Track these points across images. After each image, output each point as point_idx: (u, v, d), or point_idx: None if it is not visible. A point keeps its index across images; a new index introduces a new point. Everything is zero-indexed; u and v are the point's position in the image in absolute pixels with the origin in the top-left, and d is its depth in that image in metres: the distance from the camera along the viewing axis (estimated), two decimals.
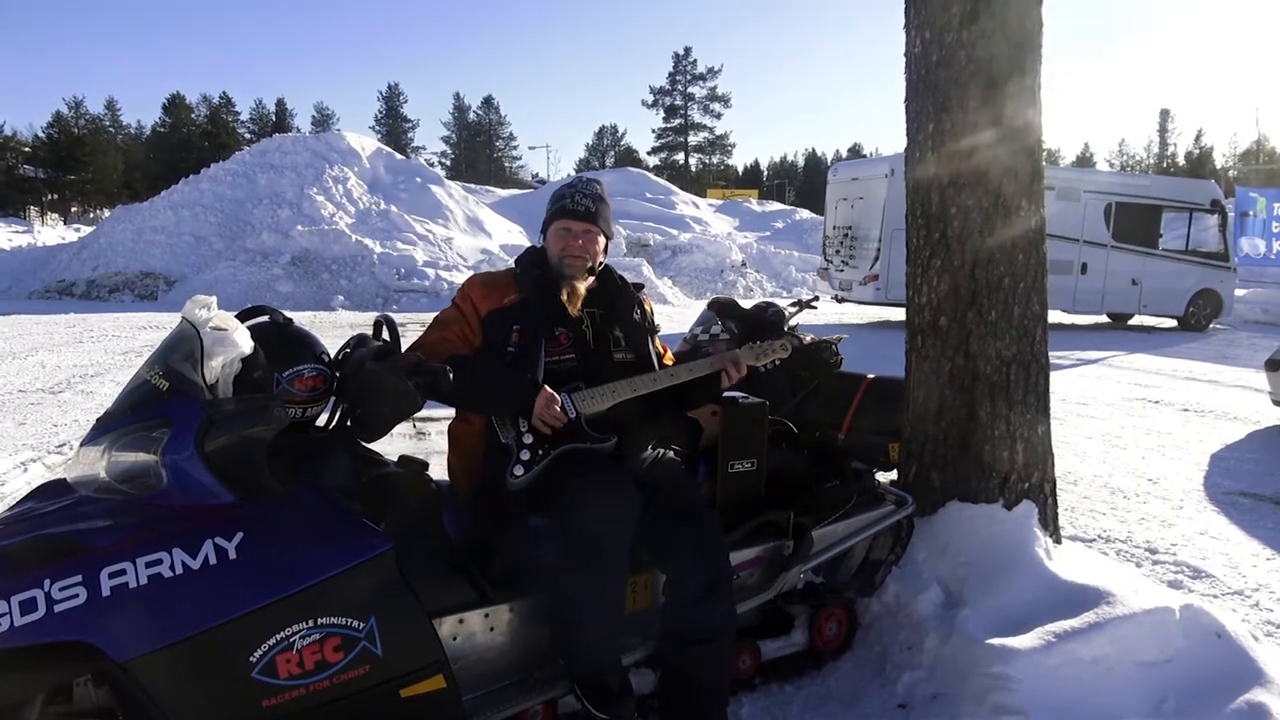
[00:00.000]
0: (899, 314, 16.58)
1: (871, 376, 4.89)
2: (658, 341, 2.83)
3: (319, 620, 1.96)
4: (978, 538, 3.19)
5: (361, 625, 2.00)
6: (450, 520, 2.48)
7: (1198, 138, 76.54)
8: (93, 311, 15.68)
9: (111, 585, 1.82)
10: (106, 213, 34.65)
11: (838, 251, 16.48)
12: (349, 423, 2.44)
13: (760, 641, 3.04)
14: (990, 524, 3.21)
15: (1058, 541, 3.37)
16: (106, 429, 2.10)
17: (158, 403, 2.06)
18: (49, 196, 58.88)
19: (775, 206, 37.74)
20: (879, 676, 3.01)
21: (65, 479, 2.22)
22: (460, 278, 18.52)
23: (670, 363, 2.80)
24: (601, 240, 2.67)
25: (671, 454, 2.74)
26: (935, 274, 3.34)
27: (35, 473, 5.53)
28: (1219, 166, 68.46)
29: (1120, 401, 8.72)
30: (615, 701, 2.39)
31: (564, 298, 2.60)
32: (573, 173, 60.38)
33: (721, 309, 5.18)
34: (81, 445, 2.13)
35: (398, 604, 2.07)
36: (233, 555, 1.92)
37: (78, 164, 57.73)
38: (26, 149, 59.16)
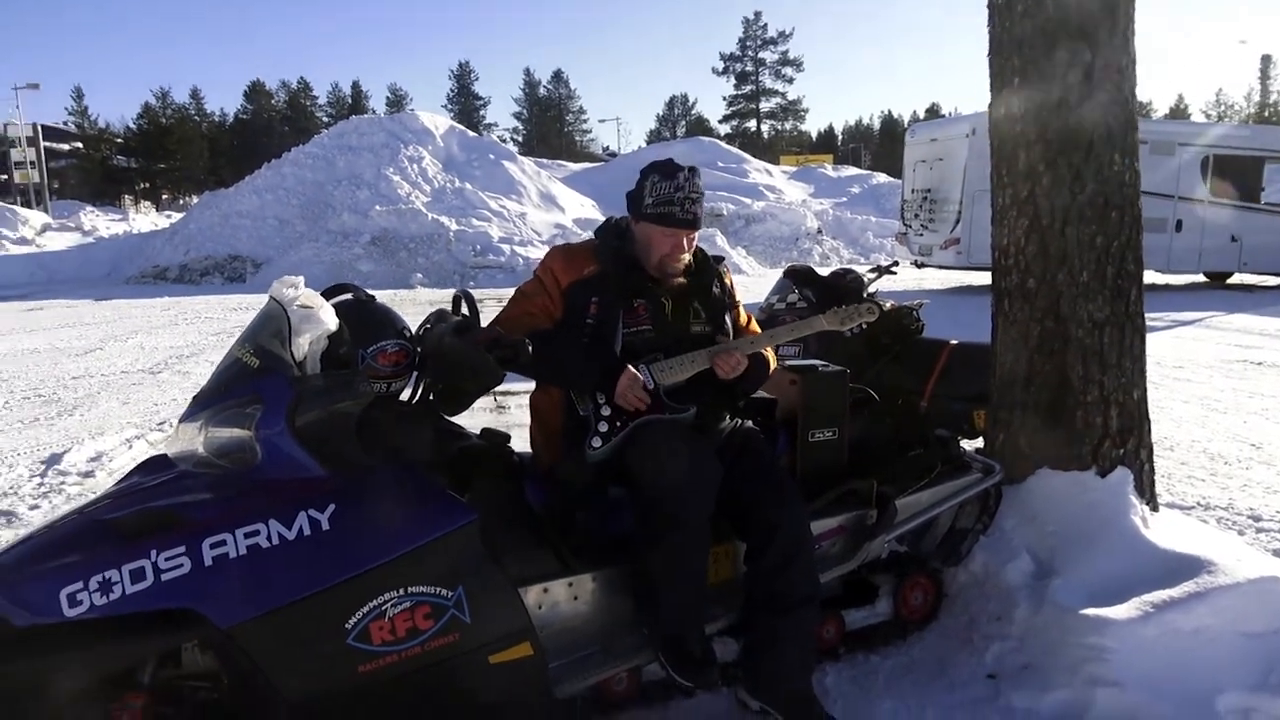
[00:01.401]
0: (981, 278, 16.11)
1: (954, 342, 4.77)
2: (741, 312, 2.80)
3: (409, 589, 2.01)
4: (1070, 506, 3.09)
5: (450, 594, 2.05)
6: (533, 491, 2.51)
7: None
8: (186, 295, 16.29)
9: (213, 555, 1.90)
10: (195, 199, 35.86)
11: (916, 215, 16.08)
12: (431, 397, 2.48)
13: (844, 611, 3.01)
14: (1083, 491, 3.11)
15: (1154, 509, 3.25)
16: (203, 406, 2.18)
17: (249, 380, 2.12)
18: (141, 185, 61.24)
19: (851, 171, 36.99)
20: (966, 647, 2.96)
21: (166, 454, 2.33)
22: (535, 253, 18.68)
23: (756, 333, 2.76)
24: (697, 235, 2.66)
25: (750, 424, 2.72)
26: (1023, 234, 3.23)
27: (139, 449, 5.80)
28: None
29: (1219, 364, 8.34)
30: (699, 668, 2.40)
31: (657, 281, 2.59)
32: (643, 145, 60.10)
33: (798, 277, 5.11)
34: (180, 422, 2.22)
35: (484, 573, 2.11)
36: (325, 526, 1.97)
37: (166, 153, 59.83)
38: (119, 140, 61.57)
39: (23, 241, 21.99)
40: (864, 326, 3.00)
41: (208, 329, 11.75)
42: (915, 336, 4.85)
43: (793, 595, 2.48)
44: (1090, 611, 2.68)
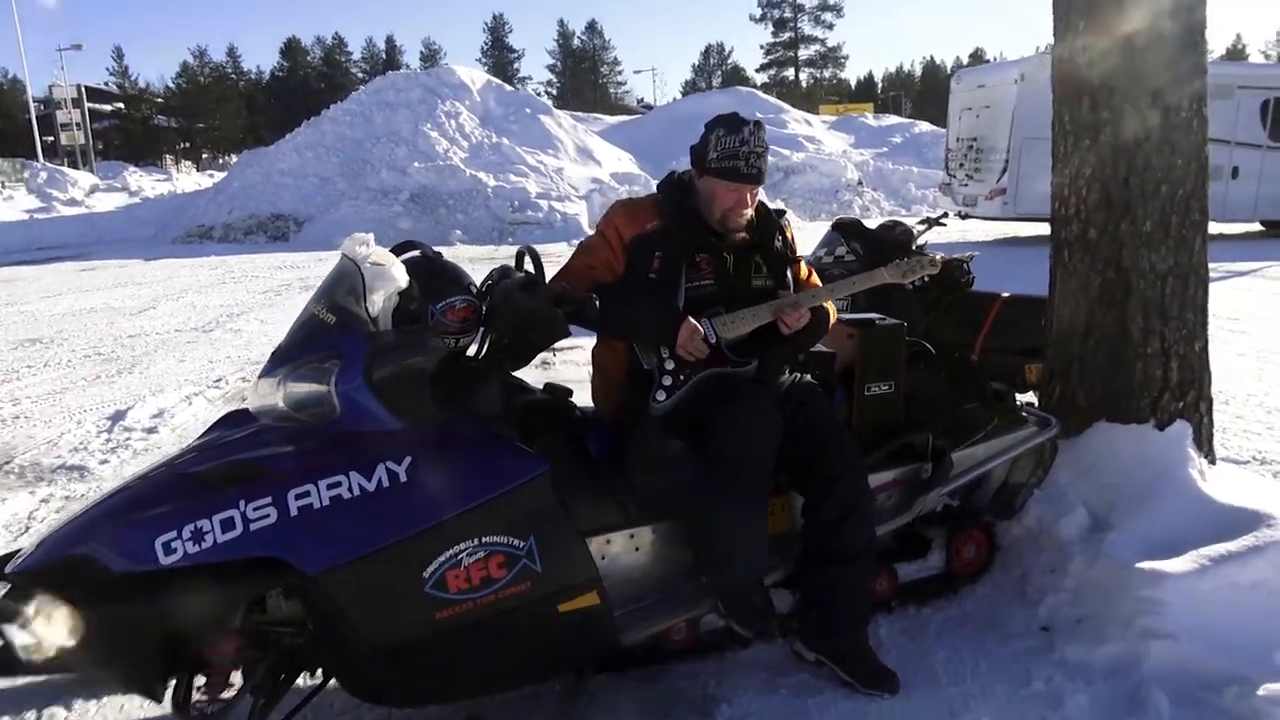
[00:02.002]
0: (1027, 229, 15.83)
1: (1006, 295, 4.74)
2: (802, 266, 2.81)
3: (483, 539, 2.07)
4: (1127, 459, 3.09)
5: (522, 544, 2.11)
6: (595, 444, 2.56)
7: None
8: (231, 254, 16.52)
9: (298, 506, 1.97)
10: (234, 158, 36.19)
11: (961, 165, 15.78)
12: (493, 352, 2.53)
13: (897, 564, 3.05)
14: (1141, 445, 3.10)
15: (1212, 463, 3.23)
16: (281, 363, 2.24)
17: (326, 337, 2.18)
18: (182, 145, 61.82)
19: (892, 120, 36.29)
20: (1019, 599, 2.99)
21: (246, 409, 2.41)
22: (573, 208, 18.66)
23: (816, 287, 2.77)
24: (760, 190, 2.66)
25: (809, 378, 2.74)
26: (1084, 183, 3.19)
27: (199, 406, 5.96)
28: None
29: (1277, 315, 8.17)
30: (759, 618, 2.46)
31: (719, 236, 2.61)
32: (679, 97, 59.32)
33: (846, 230, 5.07)
34: (259, 378, 2.29)
35: (554, 524, 2.18)
36: (403, 478, 2.04)
37: (205, 112, 60.28)
38: (159, 100, 62.09)
39: (73, 203, 22.39)
40: (926, 279, 2.99)
41: (255, 288, 11.94)
42: (966, 289, 4.82)
43: (849, 548, 2.52)
44: (1146, 565, 2.69)
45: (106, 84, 60.91)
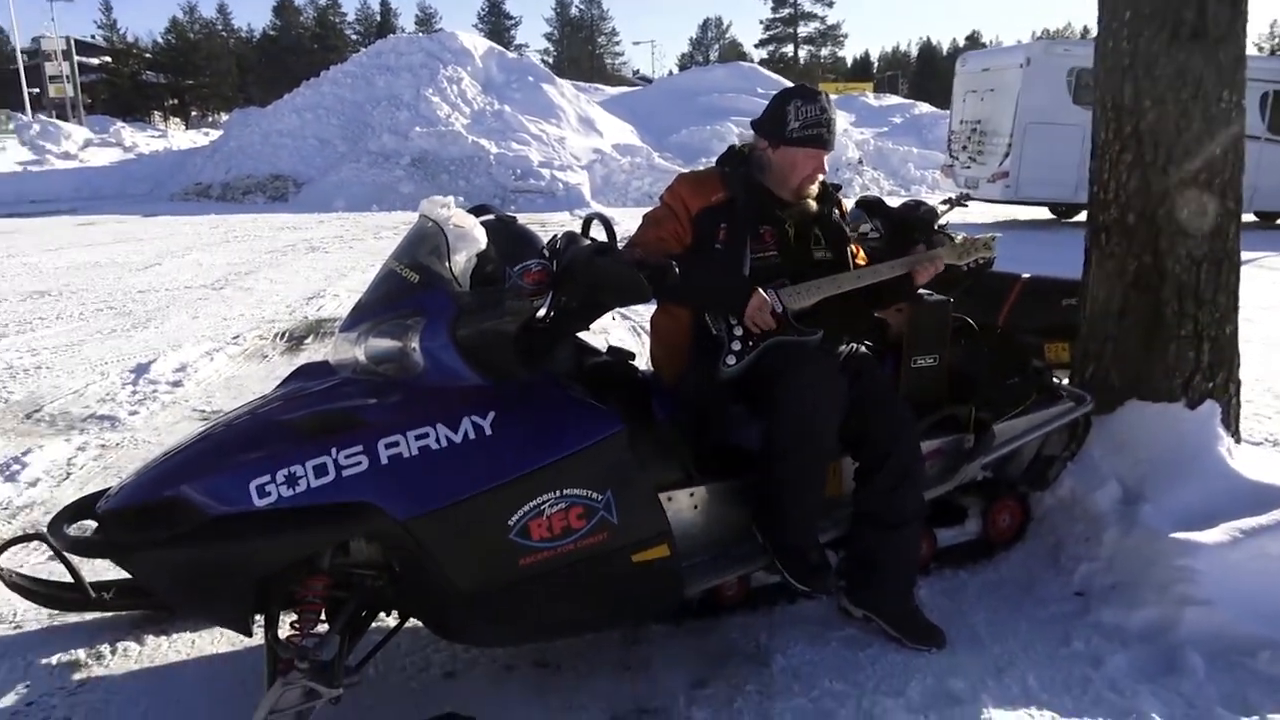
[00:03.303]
0: (1027, 213, 15.97)
1: (1026, 275, 4.82)
2: (853, 241, 2.89)
3: (564, 491, 2.15)
4: (1158, 436, 3.19)
5: (600, 496, 2.19)
6: (658, 405, 2.64)
7: None
8: (230, 213, 16.44)
9: (388, 455, 2.04)
10: (224, 116, 35.75)
11: (964, 147, 15.84)
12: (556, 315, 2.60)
13: (937, 529, 3.16)
14: (1172, 423, 3.20)
15: (1238, 442, 3.35)
16: (362, 318, 2.30)
17: (409, 295, 2.24)
18: (170, 101, 61.00)
19: (893, 100, 36.24)
20: (1053, 566, 3.10)
21: (322, 362, 2.47)
22: (575, 178, 18.61)
23: (863, 262, 2.85)
24: None
25: (864, 348, 2.82)
26: (1125, 169, 3.26)
27: (220, 361, 6.01)
28: None
29: (1278, 304, 8.31)
30: (817, 575, 2.55)
31: (790, 204, 2.68)
32: (675, 70, 58.87)
33: (870, 207, 5.13)
34: (340, 332, 2.35)
35: (630, 478, 2.25)
36: (488, 432, 2.11)
37: (195, 69, 59.47)
38: (148, 55, 61.16)
39: (66, 156, 22.14)
40: (979, 262, 3.07)
41: (259, 247, 11.91)
42: (987, 269, 4.90)
43: (901, 513, 2.61)
44: (1180, 535, 2.80)
45: (93, 37, 59.95)
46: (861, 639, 2.67)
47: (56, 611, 2.73)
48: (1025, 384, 3.15)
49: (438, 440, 2.08)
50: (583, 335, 2.72)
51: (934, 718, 2.28)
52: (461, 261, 2.27)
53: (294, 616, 2.12)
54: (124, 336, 6.74)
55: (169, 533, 2.00)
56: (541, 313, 2.58)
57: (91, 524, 2.23)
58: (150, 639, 2.63)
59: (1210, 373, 3.24)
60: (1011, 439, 3.11)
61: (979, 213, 16.33)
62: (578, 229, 2.65)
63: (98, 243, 12.07)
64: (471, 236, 2.29)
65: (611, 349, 2.71)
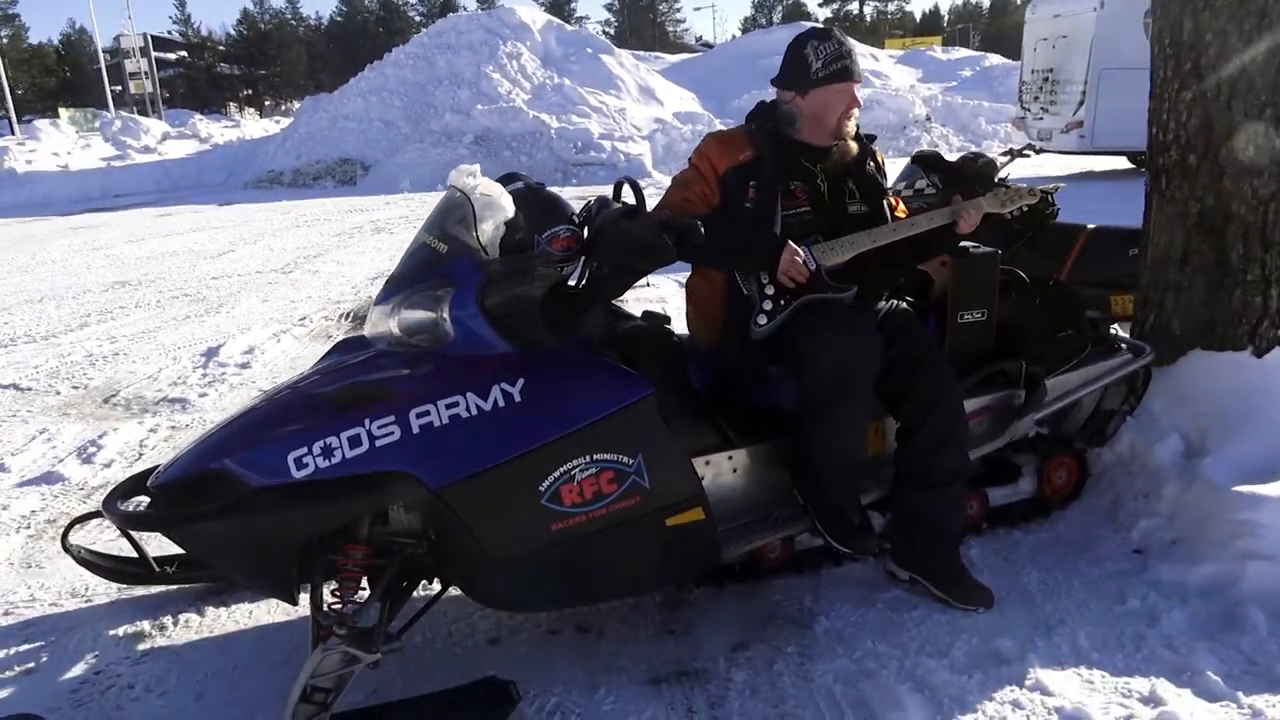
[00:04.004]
0: (1104, 163, 15.34)
1: (1091, 226, 4.65)
2: (890, 194, 2.81)
3: (594, 456, 2.16)
4: (1222, 386, 3.05)
5: (631, 461, 2.20)
6: (694, 370, 2.63)
7: None
8: (301, 198, 16.82)
9: (419, 424, 2.07)
10: (296, 104, 36.54)
11: (1036, 98, 15.27)
12: (591, 280, 2.60)
13: (988, 489, 3.08)
14: (1237, 372, 3.06)
15: None
16: (394, 290, 2.33)
17: (438, 265, 2.26)
18: (245, 92, 62.62)
19: (962, 53, 35.06)
20: (1111, 523, 3.01)
21: (359, 336, 2.52)
22: (636, 149, 18.53)
23: (902, 214, 2.78)
24: None
25: (904, 304, 2.76)
26: (1184, 108, 3.11)
27: (286, 343, 6.18)
28: None
29: None
30: (858, 536, 2.52)
31: (829, 153, 2.63)
32: (738, 34, 57.98)
33: (926, 162, 4.99)
34: (374, 305, 2.39)
35: (661, 442, 2.25)
36: (517, 399, 2.13)
37: (266, 59, 60.87)
38: (221, 48, 62.83)
39: (146, 150, 22.91)
40: (1025, 209, 2.97)
41: (328, 230, 12.18)
42: (1050, 221, 4.74)
43: (943, 472, 2.56)
44: (1243, 488, 2.69)
45: (170, 33, 61.79)
46: (908, 601, 2.63)
47: (124, 585, 2.86)
48: (1079, 337, 3.04)
49: (468, 409, 2.11)
50: (620, 302, 2.72)
51: (978, 677, 2.25)
52: (489, 230, 2.27)
53: (335, 585, 2.18)
54: (197, 322, 6.98)
55: (213, 505, 2.07)
56: (574, 280, 2.59)
57: (145, 499, 2.32)
58: (210, 610, 2.75)
59: (1279, 319, 3.07)
60: (1065, 394, 3.01)
61: (1053, 165, 15.78)
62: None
63: (175, 232, 12.49)
64: (498, 204, 2.30)
65: (646, 314, 2.70)
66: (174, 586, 2.86)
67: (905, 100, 22.79)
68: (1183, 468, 2.92)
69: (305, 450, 2.05)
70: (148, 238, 12.09)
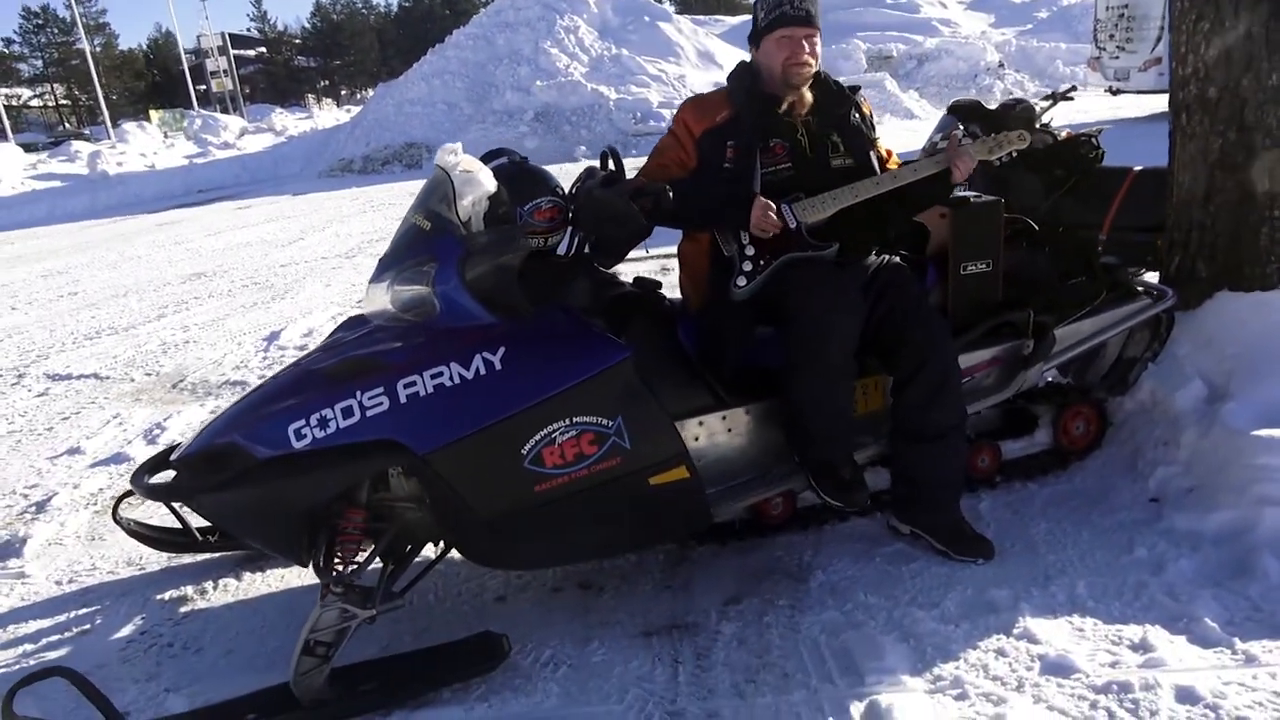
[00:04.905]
0: None
1: (1138, 169, 4.48)
2: (880, 145, 2.78)
3: (574, 419, 2.23)
4: (1249, 328, 2.94)
5: (610, 423, 2.26)
6: (685, 333, 2.67)
7: None
8: (370, 185, 17.26)
9: (406, 394, 2.18)
10: (370, 92, 37.38)
11: (1111, 36, 14.64)
12: (588, 250, 2.65)
13: (1002, 441, 3.05)
14: (1266, 313, 2.94)
15: None
16: (386, 269, 2.44)
17: (423, 242, 2.35)
18: (322, 84, 64.23)
19: None
20: (1130, 473, 2.95)
21: (362, 314, 2.63)
22: None
23: (895, 167, 2.74)
24: (819, 41, 2.62)
25: (897, 259, 2.74)
26: (1203, 39, 2.98)
27: None
28: None
29: None
30: (849, 490, 2.54)
31: (788, 108, 2.61)
32: None
33: (963, 112, 4.87)
34: (370, 284, 2.50)
35: (640, 404, 2.31)
36: (498, 366, 2.21)
37: (340, 49, 62.27)
38: (297, 41, 64.48)
39: (225, 146, 23.80)
40: (1014, 155, 2.90)
41: (393, 214, 12.48)
42: (1094, 165, 4.58)
43: (938, 426, 2.55)
44: (1263, 432, 2.60)
45: (249, 30, 63.70)
46: (908, 554, 2.64)
47: (171, 554, 3.06)
48: (1091, 284, 2.96)
49: (451, 378, 2.20)
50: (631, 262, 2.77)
51: (965, 627, 2.25)
52: (468, 205, 2.35)
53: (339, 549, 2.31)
54: (263, 309, 7.29)
55: (222, 476, 2.22)
56: (563, 249, 2.65)
57: (172, 473, 2.49)
58: (247, 575, 2.92)
59: None
60: (1079, 342, 2.95)
61: (1132, 105, 15.09)
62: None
63: (250, 224, 12.98)
64: (476, 180, 2.37)
65: (638, 279, 2.75)
66: (216, 554, 3.05)
67: (975, 47, 22.07)
68: (1203, 413, 2.84)
69: (303, 422, 2.18)
70: (224, 230, 12.60)
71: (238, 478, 2.20)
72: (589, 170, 2.64)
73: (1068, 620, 2.25)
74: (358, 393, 2.18)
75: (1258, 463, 2.56)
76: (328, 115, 33.71)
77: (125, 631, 2.67)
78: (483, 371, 2.21)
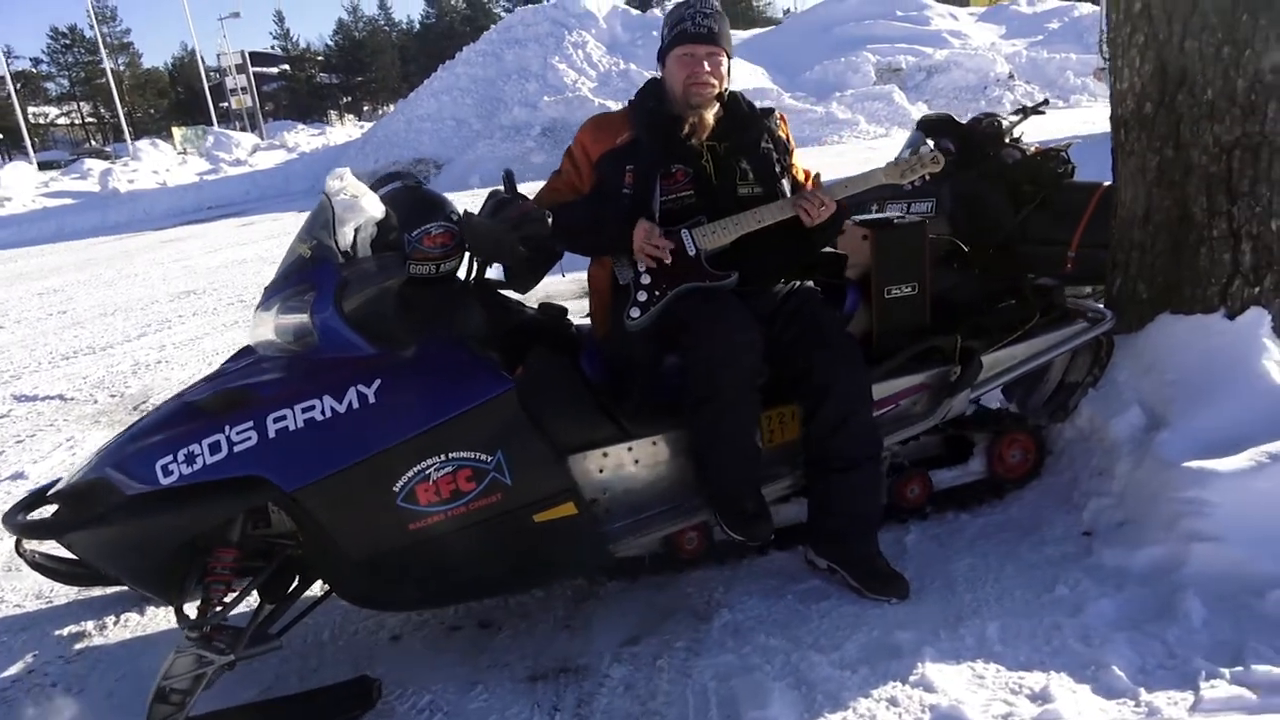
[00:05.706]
0: None
1: (1107, 184, 4.35)
2: (798, 168, 2.68)
3: (450, 455, 2.15)
4: (1191, 352, 2.81)
5: (489, 458, 2.17)
6: (590, 362, 2.57)
7: None
8: None
9: (276, 428, 2.10)
10: (391, 108, 37.61)
11: None
12: (503, 275, 2.58)
13: (933, 471, 2.93)
14: (1207, 336, 2.81)
15: None
16: (270, 296, 2.37)
17: (304, 269, 2.29)
18: (344, 100, 64.79)
19: (1050, 4, 33.21)
20: (1065, 504, 2.82)
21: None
22: None
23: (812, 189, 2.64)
24: (725, 61, 2.52)
25: (809, 284, 2.64)
26: (1137, 52, 2.87)
27: None
28: None
29: None
30: (751, 523, 2.43)
31: (689, 130, 2.51)
32: (819, 0, 56.68)
33: (931, 127, 4.77)
34: (256, 311, 2.43)
35: (523, 438, 2.22)
36: (372, 400, 2.13)
37: (362, 65, 62.80)
38: (320, 58, 65.12)
39: (237, 163, 24.01)
40: (927, 178, 2.79)
41: None
42: (1063, 181, 4.46)
43: (849, 456, 2.44)
44: (1193, 464, 2.47)
45: (271, 48, 64.37)
46: (822, 592, 2.53)
47: (82, 587, 2.99)
48: (1022, 307, 2.85)
49: (323, 411, 2.12)
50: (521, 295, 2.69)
51: (863, 672, 2.14)
52: (350, 231, 2.28)
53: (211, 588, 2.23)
54: (244, 328, 7.27)
55: (93, 512, 2.15)
56: (463, 275, 2.57)
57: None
58: (150, 610, 2.85)
59: (1254, 276, 2.80)
60: (1010, 368, 2.83)
61: None
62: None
63: (250, 241, 13.04)
64: (358, 206, 2.30)
65: (543, 305, 2.66)
66: (125, 587, 2.97)
67: (985, 59, 21.89)
68: (1139, 442, 2.71)
69: (171, 457, 2.11)
70: (224, 247, 12.66)
71: (106, 514, 2.14)
72: (493, 193, 2.56)
73: (970, 666, 2.13)
74: (226, 427, 2.11)
75: (1187, 495, 2.43)
76: (340, 132, 33.95)
77: (13, 670, 2.60)
78: (355, 405, 2.13)
